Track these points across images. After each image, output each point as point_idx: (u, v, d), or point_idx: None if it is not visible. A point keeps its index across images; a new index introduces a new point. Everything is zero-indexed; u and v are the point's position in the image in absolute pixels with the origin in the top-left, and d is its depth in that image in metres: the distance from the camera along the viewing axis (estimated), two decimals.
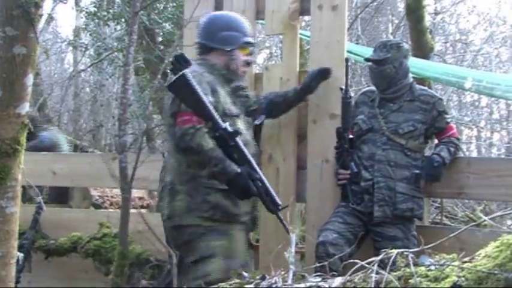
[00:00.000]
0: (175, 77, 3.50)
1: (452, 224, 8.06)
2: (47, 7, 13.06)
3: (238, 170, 3.49)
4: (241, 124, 3.98)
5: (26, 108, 3.47)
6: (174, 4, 8.91)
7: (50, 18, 13.09)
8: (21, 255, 4.95)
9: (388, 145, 4.49)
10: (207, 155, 3.59)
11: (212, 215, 3.59)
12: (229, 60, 4.03)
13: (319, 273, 2.29)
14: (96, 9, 9.93)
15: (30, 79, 3.42)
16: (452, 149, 4.46)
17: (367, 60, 4.77)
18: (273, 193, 3.80)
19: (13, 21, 3.26)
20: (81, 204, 8.76)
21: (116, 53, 9.86)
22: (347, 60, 4.85)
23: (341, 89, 4.67)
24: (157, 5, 8.91)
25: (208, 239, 3.67)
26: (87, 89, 15.54)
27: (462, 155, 6.22)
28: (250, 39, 4.16)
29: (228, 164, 3.56)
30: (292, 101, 4.70)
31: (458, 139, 4.63)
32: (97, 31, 10.38)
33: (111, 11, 9.57)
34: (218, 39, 4.04)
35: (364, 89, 5.11)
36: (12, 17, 3.24)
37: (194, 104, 3.63)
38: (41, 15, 3.42)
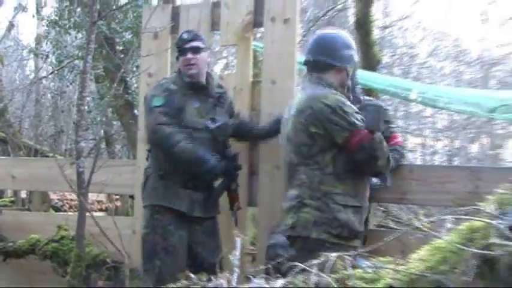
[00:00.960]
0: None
1: (397, 228, 8.20)
2: (8, 14, 12.88)
3: None
4: None
5: None
6: (134, 14, 8.91)
7: (11, 25, 12.97)
8: None
9: None
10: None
11: (340, 233, 3.58)
12: (345, 78, 4.00)
13: (263, 275, 2.24)
14: (57, 18, 9.86)
15: None
16: (396, 156, 4.43)
17: None
18: None
19: None
20: (41, 207, 8.71)
21: (76, 61, 9.87)
22: None
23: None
24: (118, 14, 8.87)
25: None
26: (48, 96, 15.44)
27: (406, 162, 6.33)
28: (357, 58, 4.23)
29: None
30: (254, 136, 4.83)
31: (402, 147, 4.66)
32: (58, 39, 10.37)
33: (72, 19, 9.52)
34: (340, 57, 3.97)
35: None
36: None
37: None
38: None
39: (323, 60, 3.93)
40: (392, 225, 8.20)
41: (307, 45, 4.36)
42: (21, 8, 10.68)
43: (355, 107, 3.86)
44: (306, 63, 4.08)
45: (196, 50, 4.52)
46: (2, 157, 8.99)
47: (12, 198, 9.77)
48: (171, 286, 2.22)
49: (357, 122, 3.72)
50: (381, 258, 2.09)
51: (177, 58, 4.66)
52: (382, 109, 4.28)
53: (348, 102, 3.81)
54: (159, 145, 4.47)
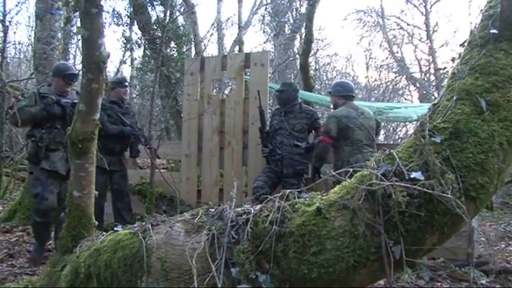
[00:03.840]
0: None
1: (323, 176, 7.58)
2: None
3: None
4: None
5: None
6: (181, 62, 8.73)
7: (118, 70, 15.02)
8: None
9: (289, 136, 4.94)
10: None
11: None
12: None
13: (250, 203, 2.41)
14: (140, 66, 10.42)
15: None
16: None
17: (277, 91, 5.24)
18: None
19: None
20: (132, 167, 8.21)
21: (151, 88, 9.03)
22: (258, 93, 5.24)
23: (258, 107, 5.17)
24: (172, 62, 8.77)
25: None
26: (136, 107, 16.05)
27: None
28: None
29: None
30: None
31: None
32: (141, 77, 11.15)
33: (148, 66, 9.74)
34: None
35: (277, 107, 5.40)
36: None
37: None
38: None
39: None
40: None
41: (333, 86, 4.97)
42: (122, 62, 12.88)
43: None
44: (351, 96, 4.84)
45: (127, 86, 5.24)
46: None
47: None
48: (199, 210, 2.40)
49: None
50: (314, 193, 2.27)
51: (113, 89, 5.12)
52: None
53: None
54: None
